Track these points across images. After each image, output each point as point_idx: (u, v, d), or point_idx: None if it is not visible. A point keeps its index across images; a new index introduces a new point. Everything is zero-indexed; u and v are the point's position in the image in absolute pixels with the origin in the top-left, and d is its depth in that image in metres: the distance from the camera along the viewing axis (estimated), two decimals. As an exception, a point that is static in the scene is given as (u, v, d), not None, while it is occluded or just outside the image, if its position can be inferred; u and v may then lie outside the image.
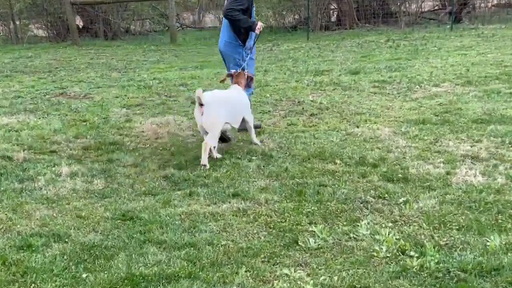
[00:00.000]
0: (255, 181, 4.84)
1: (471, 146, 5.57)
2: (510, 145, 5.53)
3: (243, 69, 6.12)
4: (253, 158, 5.51)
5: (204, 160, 5.23)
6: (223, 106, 5.43)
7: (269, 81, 9.80)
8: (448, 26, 18.13)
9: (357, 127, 6.60)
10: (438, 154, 5.40)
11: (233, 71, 6.10)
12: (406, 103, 7.68)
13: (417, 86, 8.43)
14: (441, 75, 9.46)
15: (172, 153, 5.79)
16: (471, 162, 5.12)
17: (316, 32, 19.87)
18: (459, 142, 5.76)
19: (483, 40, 14.20)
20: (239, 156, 5.56)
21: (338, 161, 5.31)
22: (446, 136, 5.99)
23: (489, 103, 7.29)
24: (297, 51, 14.56)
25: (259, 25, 6.12)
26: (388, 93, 8.44)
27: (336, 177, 4.88)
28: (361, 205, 4.28)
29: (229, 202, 4.37)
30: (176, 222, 4.02)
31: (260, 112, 7.52)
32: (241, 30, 6.16)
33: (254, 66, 6.58)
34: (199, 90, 5.21)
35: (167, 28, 20.86)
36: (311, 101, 8.07)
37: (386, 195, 4.40)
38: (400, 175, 4.84)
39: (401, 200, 4.30)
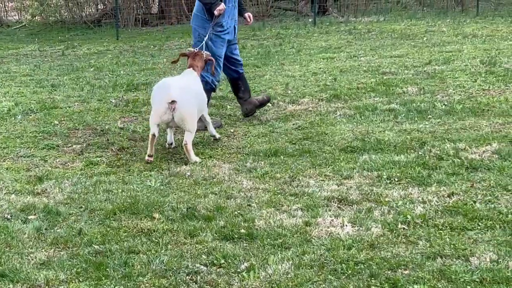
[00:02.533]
0: (32, 253, 4.68)
1: (338, 185, 5.87)
2: (388, 181, 5.92)
3: (200, 50, 7.32)
4: (29, 217, 5.34)
5: (194, 157, 6.74)
6: (193, 95, 6.88)
7: (58, 101, 9.63)
8: (310, 20, 19.20)
9: (186, 164, 6.68)
10: (295, 198, 5.61)
11: (188, 50, 7.19)
12: (253, 127, 7.94)
13: (268, 104, 8.75)
14: (300, 88, 9.94)
15: None
16: (338, 207, 5.39)
17: (129, 29, 20.00)
18: (322, 180, 6.04)
19: (355, 39, 15.24)
20: (8, 215, 5.36)
21: (157, 216, 5.31)
22: (306, 172, 6.26)
23: (362, 124, 7.78)
24: (102, 56, 14.51)
25: (221, 6, 7.49)
26: (230, 114, 8.67)
27: (154, 239, 4.87)
28: (187, 277, 4.27)
29: (-9, 288, 4.19)
30: None
31: (44, 148, 7.35)
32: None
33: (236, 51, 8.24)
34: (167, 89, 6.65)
35: None
36: (120, 128, 8.06)
37: (223, 261, 4.46)
38: (243, 231, 4.94)
39: (243, 267, 4.37)
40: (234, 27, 8.04)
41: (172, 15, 20.41)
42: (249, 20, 8.20)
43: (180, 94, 6.66)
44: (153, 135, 6.70)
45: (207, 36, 7.63)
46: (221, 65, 7.98)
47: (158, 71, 12.06)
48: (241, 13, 8.16)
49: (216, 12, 7.49)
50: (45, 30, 20.97)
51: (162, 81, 7.11)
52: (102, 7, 22.07)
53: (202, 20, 7.79)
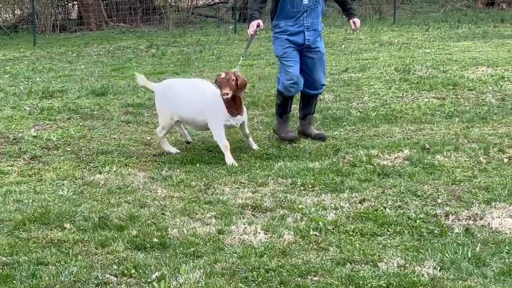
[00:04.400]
0: None
1: (253, 192, 5.91)
2: (302, 188, 5.98)
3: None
4: None
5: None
6: None
7: (-31, 108, 9.39)
8: (231, 27, 19.26)
9: (100, 173, 6.62)
10: (209, 206, 5.63)
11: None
12: (170, 135, 7.91)
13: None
14: (219, 95, 9.94)
15: None
16: (252, 215, 5.42)
17: (47, 35, 19.68)
18: (237, 187, 6.07)
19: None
20: None
21: (68, 226, 5.25)
22: (222, 180, 6.28)
23: (278, 132, 7.83)
24: (18, 63, 14.23)
25: (254, 24, 7.17)
26: (147, 122, 8.62)
27: (64, 250, 4.81)
28: (96, 288, 4.25)
29: None
30: None
31: (-47, 157, 7.17)
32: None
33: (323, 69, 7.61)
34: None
35: None
36: (34, 137, 7.92)
37: (134, 271, 4.43)
38: (155, 240, 4.92)
39: (154, 276, 4.36)
40: (304, 31, 7.31)
41: (92, 21, 20.16)
42: (353, 26, 7.71)
43: None
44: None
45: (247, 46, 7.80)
46: (289, 65, 7.36)
47: (76, 78, 11.89)
48: (348, 17, 7.78)
49: (249, 29, 7.22)
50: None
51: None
52: (19, 12, 21.63)
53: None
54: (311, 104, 7.71)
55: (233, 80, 6.74)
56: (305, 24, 7.29)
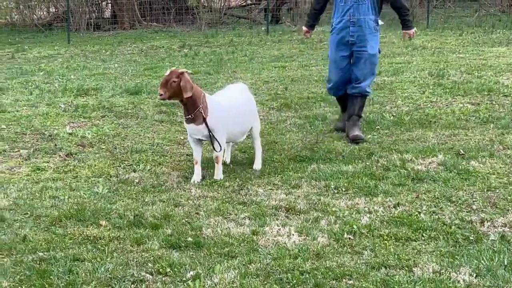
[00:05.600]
0: (-27, 260, 4.64)
1: (287, 194, 5.91)
2: (336, 191, 5.97)
3: None
4: (-30, 223, 5.28)
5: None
6: None
7: (6, 105, 9.50)
8: (263, 28, 19.29)
9: (134, 171, 6.66)
10: (243, 207, 5.63)
11: None
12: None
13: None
14: (252, 96, 9.96)
15: None
16: (286, 216, 5.42)
17: (81, 33, 19.86)
18: (271, 189, 6.07)
19: (307, 48, 15.36)
20: None
21: (103, 223, 5.29)
22: (255, 181, 6.29)
23: (312, 134, 7.85)
24: (52, 60, 14.38)
25: (303, 30, 8.16)
26: (180, 122, 8.65)
27: (100, 247, 4.84)
28: (132, 286, 4.27)
29: None
30: None
31: (-10, 153, 7.26)
32: None
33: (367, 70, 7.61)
34: None
35: None
36: (69, 134, 7.99)
37: (169, 269, 4.46)
38: (190, 239, 4.95)
39: (188, 275, 4.38)
40: (349, 27, 7.47)
41: (125, 20, 20.29)
42: (406, 36, 7.94)
43: None
44: None
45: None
46: (329, 68, 7.79)
47: (110, 76, 11.99)
48: (402, 27, 7.94)
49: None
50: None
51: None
52: (54, 10, 21.85)
53: None
54: (354, 104, 7.68)
55: (174, 81, 6.11)
56: (351, 20, 7.42)
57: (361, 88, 7.62)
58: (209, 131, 6.25)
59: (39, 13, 21.87)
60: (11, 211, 5.56)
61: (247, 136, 6.88)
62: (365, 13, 7.42)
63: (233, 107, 6.52)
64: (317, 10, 7.90)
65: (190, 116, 6.27)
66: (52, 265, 4.55)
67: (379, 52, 7.72)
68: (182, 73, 6.17)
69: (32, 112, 9.10)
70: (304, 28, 8.07)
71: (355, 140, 7.40)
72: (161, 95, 6.16)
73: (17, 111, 9.17)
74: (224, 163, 6.67)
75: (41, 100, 9.86)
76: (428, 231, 4.99)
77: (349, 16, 7.44)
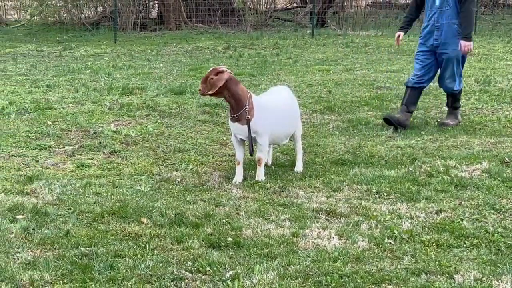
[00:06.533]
0: (18, 253, 4.68)
1: (328, 197, 5.90)
2: (377, 196, 5.94)
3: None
4: (18, 217, 5.34)
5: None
6: None
7: (52, 101, 9.63)
8: (308, 31, 19.25)
9: (177, 170, 6.70)
10: (284, 208, 5.64)
11: None
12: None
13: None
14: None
15: None
16: (326, 219, 5.41)
17: (127, 33, 20.03)
18: (312, 191, 6.07)
19: (352, 52, 15.30)
20: (-3, 214, 5.39)
21: (145, 220, 5.33)
22: (296, 183, 6.28)
23: (354, 138, 7.82)
24: (99, 59, 14.54)
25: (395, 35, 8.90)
26: (223, 122, 8.69)
27: (141, 244, 4.88)
28: (172, 283, 4.29)
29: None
30: None
31: (36, 148, 7.35)
32: None
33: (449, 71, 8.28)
34: None
35: None
36: (113, 132, 8.06)
37: (209, 268, 4.48)
38: (230, 239, 4.96)
39: (228, 275, 4.39)
40: (434, 31, 8.17)
41: (171, 20, 20.43)
42: (458, 47, 8.08)
43: None
44: None
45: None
46: (414, 65, 8.55)
47: (154, 76, 12.09)
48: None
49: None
50: (43, 30, 20.99)
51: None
52: (101, 9, 22.12)
53: None
54: (448, 98, 8.54)
55: (212, 78, 6.16)
56: (435, 25, 8.11)
57: (447, 87, 8.34)
58: (250, 133, 6.27)
59: (87, 12, 22.15)
60: (55, 206, 5.63)
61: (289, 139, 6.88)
62: (451, 18, 8.03)
63: (278, 109, 6.53)
64: (412, 15, 8.62)
65: (235, 116, 6.29)
66: (93, 260, 4.59)
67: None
68: (222, 71, 6.21)
69: (77, 109, 9.21)
70: (397, 33, 8.68)
71: (444, 125, 8.25)
72: (200, 90, 6.31)
73: (63, 108, 9.28)
74: (265, 165, 6.64)
75: (87, 98, 9.97)
76: (470, 238, 4.93)
77: (434, 21, 8.12)
